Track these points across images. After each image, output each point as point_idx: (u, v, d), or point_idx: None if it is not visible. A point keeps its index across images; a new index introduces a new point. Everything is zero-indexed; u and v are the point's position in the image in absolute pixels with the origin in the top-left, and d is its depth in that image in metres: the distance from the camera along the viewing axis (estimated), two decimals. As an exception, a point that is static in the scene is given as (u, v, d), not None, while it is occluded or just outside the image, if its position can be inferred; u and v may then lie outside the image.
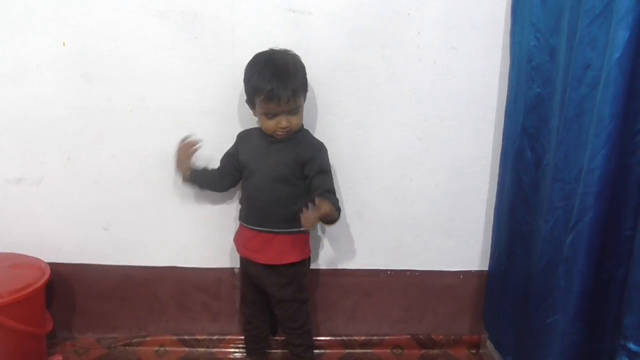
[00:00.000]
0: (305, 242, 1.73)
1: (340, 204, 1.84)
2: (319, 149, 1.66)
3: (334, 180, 1.70)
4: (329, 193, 1.59)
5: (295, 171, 1.62)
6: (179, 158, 1.71)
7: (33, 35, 1.71)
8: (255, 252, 1.68)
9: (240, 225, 1.73)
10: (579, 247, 1.27)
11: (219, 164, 1.74)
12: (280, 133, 1.59)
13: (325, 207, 1.48)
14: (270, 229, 1.65)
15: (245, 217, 1.70)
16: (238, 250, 1.75)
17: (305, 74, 1.62)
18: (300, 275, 1.74)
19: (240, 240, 1.74)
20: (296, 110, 1.58)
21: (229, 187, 1.77)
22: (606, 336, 1.29)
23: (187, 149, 1.70)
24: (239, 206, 1.79)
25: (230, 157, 1.71)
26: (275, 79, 1.51)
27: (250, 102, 1.62)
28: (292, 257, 1.69)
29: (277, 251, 1.66)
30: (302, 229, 1.63)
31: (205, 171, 1.74)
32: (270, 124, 1.58)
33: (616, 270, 1.26)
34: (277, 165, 1.62)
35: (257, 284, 1.74)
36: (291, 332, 1.77)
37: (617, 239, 1.24)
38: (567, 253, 1.31)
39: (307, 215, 1.47)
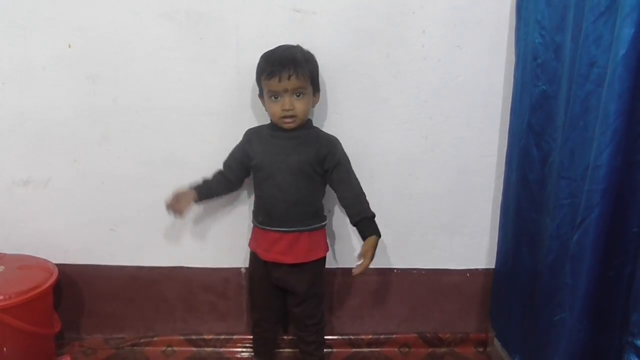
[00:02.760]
0: (325, 237, 1.75)
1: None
2: (335, 143, 1.68)
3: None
4: (362, 206, 1.64)
5: (316, 167, 1.64)
6: (180, 205, 1.69)
7: (39, 37, 1.72)
8: (283, 254, 1.66)
9: (260, 229, 1.69)
10: (585, 245, 1.26)
11: (227, 165, 1.71)
12: (286, 120, 1.60)
13: (370, 252, 1.59)
14: (297, 228, 1.64)
15: (267, 220, 1.67)
16: (260, 256, 1.70)
17: (315, 66, 1.64)
18: (322, 271, 1.76)
19: (262, 244, 1.70)
20: (300, 92, 1.58)
21: (241, 183, 1.75)
22: (614, 333, 1.28)
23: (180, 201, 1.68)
24: (248, 206, 1.79)
25: (241, 155, 1.69)
26: (280, 58, 1.57)
27: (259, 89, 1.63)
28: (319, 253, 1.71)
29: (305, 249, 1.67)
30: (324, 224, 1.72)
31: (210, 181, 1.72)
32: (276, 108, 1.59)
33: (623, 268, 1.25)
34: (299, 164, 1.62)
35: (280, 285, 1.73)
36: (307, 329, 1.76)
37: (624, 236, 1.24)
38: (573, 250, 1.31)
39: (364, 266, 1.58)
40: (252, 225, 1.76)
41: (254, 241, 1.75)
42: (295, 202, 1.63)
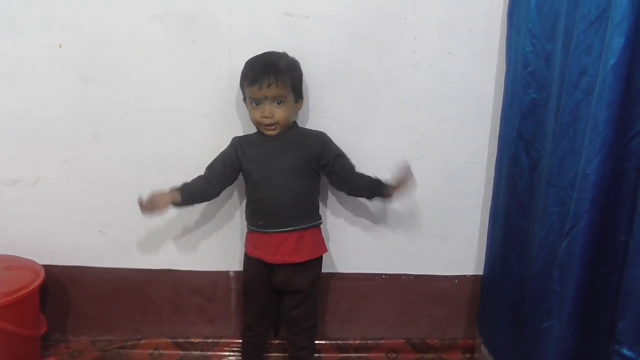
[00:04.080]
0: (322, 235, 1.76)
1: (335, 208, 1.84)
2: (325, 137, 1.70)
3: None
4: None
5: (312, 164, 1.65)
6: (156, 205, 1.58)
7: (30, 36, 1.71)
8: (291, 254, 1.65)
9: (261, 234, 1.66)
10: (573, 252, 1.27)
11: (213, 169, 1.67)
12: (267, 127, 1.61)
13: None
14: (300, 226, 1.65)
15: (269, 223, 1.64)
16: (266, 260, 1.67)
17: (298, 74, 1.65)
18: (320, 269, 1.77)
19: (266, 248, 1.67)
20: (280, 100, 1.59)
21: (221, 192, 1.71)
22: (600, 341, 1.29)
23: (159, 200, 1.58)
24: (237, 209, 1.79)
25: (230, 161, 1.66)
26: (262, 66, 1.58)
27: (243, 94, 1.65)
28: (322, 250, 1.74)
29: (310, 246, 1.68)
30: (321, 222, 1.73)
31: (192, 184, 1.64)
32: (256, 114, 1.61)
33: (611, 276, 1.26)
34: (295, 162, 1.63)
35: (282, 287, 1.71)
36: (302, 333, 1.76)
37: (612, 244, 1.25)
38: (562, 258, 1.31)
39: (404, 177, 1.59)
40: (246, 230, 1.75)
41: (252, 247, 1.71)
42: (294, 200, 1.64)
